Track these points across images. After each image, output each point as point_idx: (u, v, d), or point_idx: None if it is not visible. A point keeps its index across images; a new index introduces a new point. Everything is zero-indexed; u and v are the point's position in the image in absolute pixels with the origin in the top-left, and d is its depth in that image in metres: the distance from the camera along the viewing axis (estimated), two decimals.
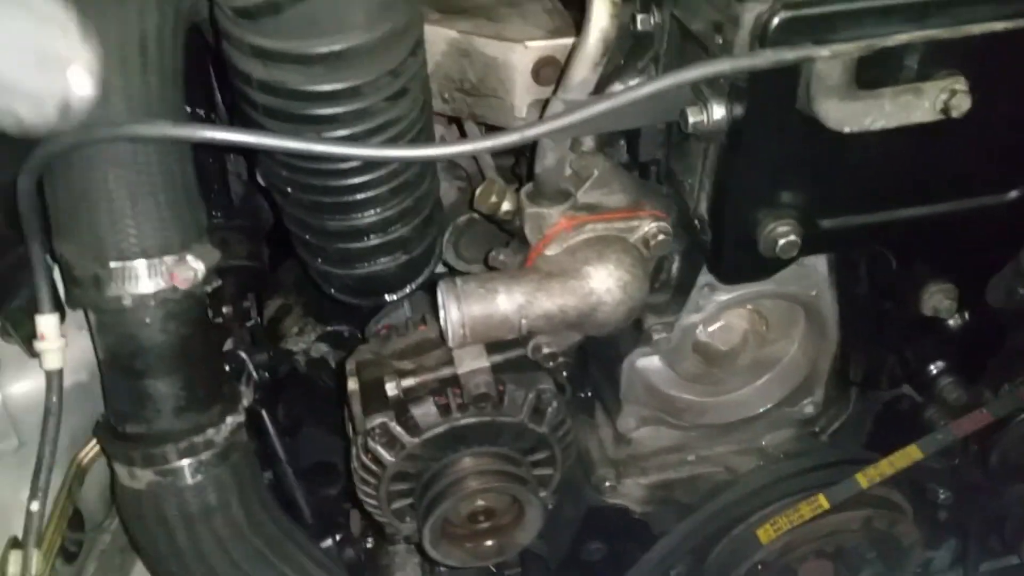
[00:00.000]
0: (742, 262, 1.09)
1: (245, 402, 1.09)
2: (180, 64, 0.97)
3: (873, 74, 0.93)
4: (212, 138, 0.84)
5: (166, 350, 0.97)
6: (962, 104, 0.94)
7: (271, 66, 0.93)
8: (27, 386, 1.13)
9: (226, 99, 1.39)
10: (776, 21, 0.87)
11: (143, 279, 0.92)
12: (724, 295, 1.24)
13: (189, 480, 1.01)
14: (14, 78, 0.55)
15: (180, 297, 0.95)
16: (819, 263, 1.24)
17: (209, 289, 0.99)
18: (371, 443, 1.19)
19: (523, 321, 1.09)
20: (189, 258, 0.94)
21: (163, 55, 0.93)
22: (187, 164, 0.96)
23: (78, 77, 0.59)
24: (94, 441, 1.17)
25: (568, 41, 1.12)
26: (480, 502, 1.26)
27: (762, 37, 0.88)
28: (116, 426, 1.02)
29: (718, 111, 0.97)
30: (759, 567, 1.44)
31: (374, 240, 1.18)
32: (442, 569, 1.71)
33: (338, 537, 1.61)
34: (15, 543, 1.05)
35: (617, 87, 1.11)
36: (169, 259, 0.93)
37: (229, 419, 1.04)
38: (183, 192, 0.95)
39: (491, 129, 1.29)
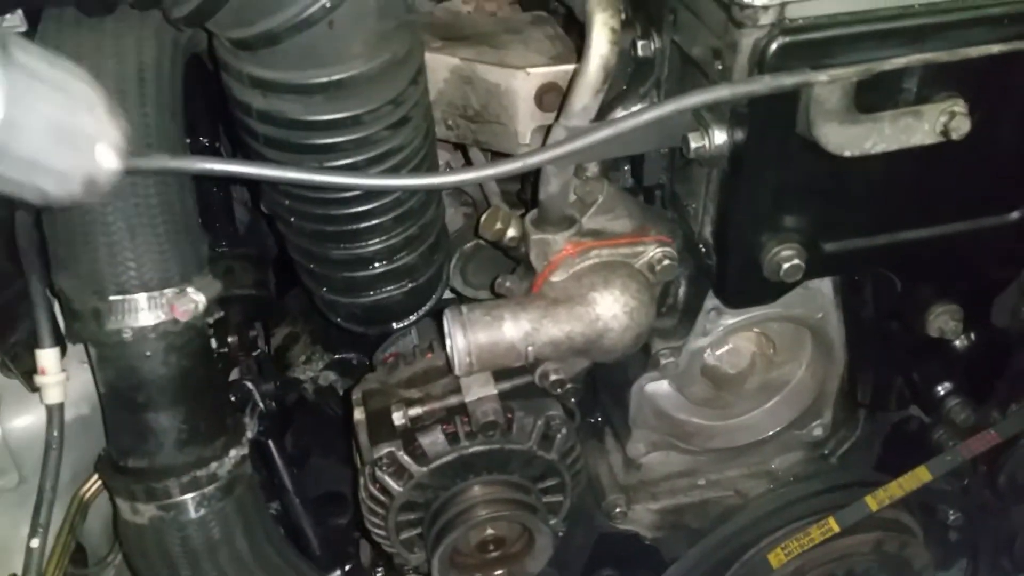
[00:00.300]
0: (747, 286, 1.09)
1: (249, 434, 1.08)
2: (179, 95, 0.98)
3: (872, 98, 0.93)
4: (210, 169, 0.84)
5: (167, 383, 0.96)
6: (962, 126, 0.94)
7: (270, 96, 0.93)
8: (28, 421, 1.13)
9: (228, 131, 1.40)
10: (774, 47, 0.87)
11: (143, 312, 0.92)
12: (731, 319, 1.24)
13: (192, 514, 1.01)
14: (43, 157, 0.56)
15: (181, 329, 0.95)
16: (824, 286, 1.24)
17: (211, 321, 0.99)
18: (379, 473, 1.18)
19: (530, 348, 1.08)
20: (190, 290, 0.94)
21: (161, 87, 0.93)
22: (187, 195, 0.97)
23: (105, 154, 0.60)
24: (97, 475, 1.16)
25: (570, 67, 1.12)
26: (490, 531, 1.24)
27: (760, 63, 0.88)
28: (118, 460, 1.02)
29: (719, 136, 0.97)
30: None
31: (379, 268, 1.18)
32: None
33: (347, 567, 1.60)
34: None
35: (619, 113, 1.11)
36: (169, 292, 0.93)
37: (233, 452, 1.03)
38: (183, 224, 0.95)
39: (495, 155, 1.29)
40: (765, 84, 0.86)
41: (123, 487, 1.01)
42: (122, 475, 1.01)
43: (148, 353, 0.95)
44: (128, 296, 0.92)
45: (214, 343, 1.43)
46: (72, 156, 0.58)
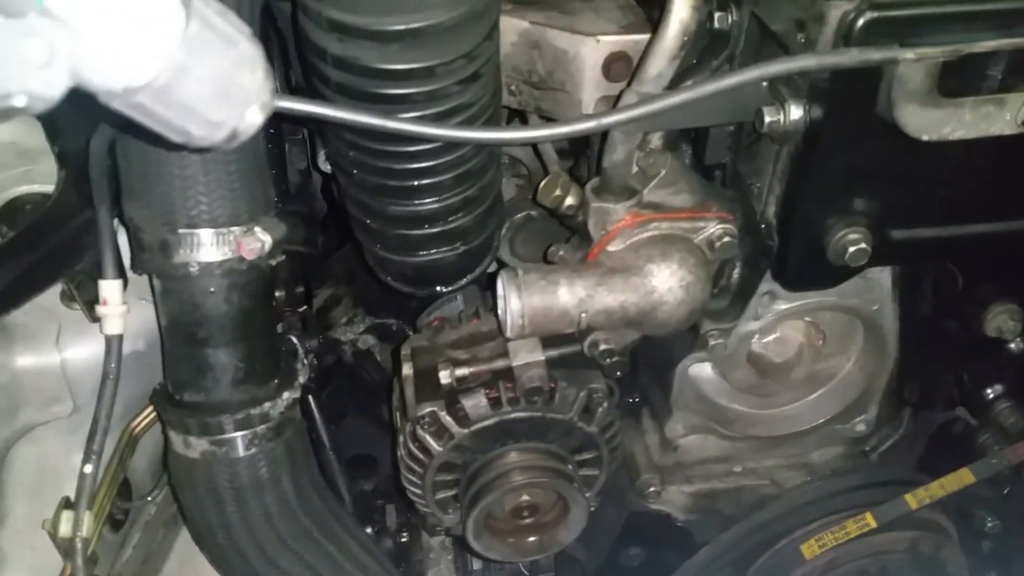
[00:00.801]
0: (809, 269, 1.07)
1: (301, 379, 1.09)
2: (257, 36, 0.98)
3: (955, 82, 0.91)
4: (289, 108, 0.84)
5: (228, 320, 0.97)
6: None
7: (347, 41, 0.93)
8: (85, 352, 1.14)
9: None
10: (863, 21, 0.86)
11: (210, 247, 0.93)
12: (784, 304, 1.23)
13: (242, 452, 1.02)
14: (201, 105, 0.58)
15: (246, 268, 0.96)
16: (883, 277, 1.22)
17: (274, 263, 1.00)
18: (420, 431, 1.19)
19: (583, 315, 1.08)
20: (257, 230, 0.94)
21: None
22: (258, 138, 0.97)
23: (255, 114, 0.62)
24: (147, 411, 1.18)
25: (641, 38, 1.12)
26: (525, 497, 1.24)
27: (847, 36, 0.87)
28: (174, 394, 1.03)
29: (796, 112, 0.95)
30: None
31: (434, 228, 1.18)
32: (475, 567, 1.71)
33: (375, 530, 1.61)
34: (67, 504, 1.06)
35: (693, 82, 1.10)
36: (237, 229, 0.94)
37: (286, 394, 1.04)
38: (254, 165, 0.96)
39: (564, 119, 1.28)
40: (852, 57, 0.85)
41: (177, 420, 1.02)
42: (177, 408, 1.02)
43: (212, 289, 0.96)
44: (197, 230, 0.93)
45: None
46: (226, 109, 0.60)
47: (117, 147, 0.95)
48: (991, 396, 1.33)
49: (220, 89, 0.58)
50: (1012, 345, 1.27)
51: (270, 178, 1.01)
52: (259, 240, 0.93)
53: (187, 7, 0.54)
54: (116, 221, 1.03)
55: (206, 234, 0.93)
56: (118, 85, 0.53)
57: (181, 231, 0.93)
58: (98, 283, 1.03)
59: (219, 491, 1.02)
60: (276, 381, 1.04)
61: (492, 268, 1.43)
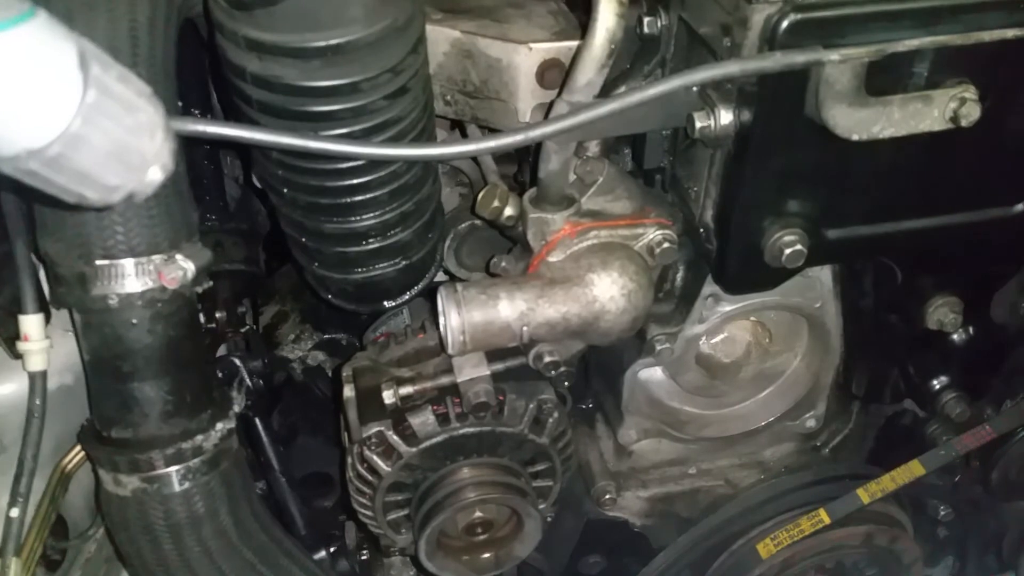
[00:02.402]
0: (747, 272, 1.07)
1: (237, 408, 1.06)
2: (172, 57, 0.95)
3: (882, 81, 0.91)
4: (203, 132, 0.81)
5: (153, 352, 0.94)
6: (971, 113, 0.92)
7: (267, 60, 0.91)
8: (9, 389, 1.10)
9: (221, 99, 1.37)
10: (786, 23, 0.85)
11: (130, 278, 0.89)
12: (728, 306, 1.22)
13: (176, 487, 0.98)
14: (97, 172, 0.56)
15: (169, 297, 0.92)
16: (824, 275, 1.22)
17: (200, 290, 0.97)
18: (367, 452, 1.16)
19: (525, 329, 1.07)
20: (179, 257, 0.91)
21: (154, 47, 0.90)
22: (178, 161, 0.93)
23: (153, 174, 0.59)
24: (79, 446, 1.13)
25: (573, 44, 1.10)
26: (478, 514, 1.23)
27: (771, 40, 0.86)
28: (101, 430, 0.99)
29: (725, 116, 0.95)
30: None
31: (373, 244, 1.15)
32: None
33: (332, 549, 1.57)
34: None
35: (623, 91, 1.09)
36: (157, 258, 0.90)
37: (219, 425, 1.01)
38: (173, 189, 0.92)
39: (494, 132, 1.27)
40: (776, 61, 0.84)
41: (106, 458, 0.98)
42: (105, 445, 0.99)
43: (134, 321, 0.92)
44: (115, 261, 0.89)
45: (202, 318, 1.41)
46: (123, 174, 0.58)
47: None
48: (937, 387, 1.33)
49: (117, 155, 0.56)
50: (955, 336, 1.28)
51: (192, 203, 0.97)
52: (181, 268, 0.90)
53: (85, 74, 0.52)
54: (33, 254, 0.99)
55: (124, 265, 0.89)
56: (8, 152, 0.51)
57: (98, 263, 0.89)
58: (18, 318, 0.99)
59: (154, 529, 0.98)
60: (209, 412, 1.01)
61: (442, 277, 1.42)
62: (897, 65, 0.91)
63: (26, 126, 0.50)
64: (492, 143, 0.93)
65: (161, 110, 0.59)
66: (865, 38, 0.88)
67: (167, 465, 0.97)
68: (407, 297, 1.31)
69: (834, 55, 0.85)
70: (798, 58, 0.84)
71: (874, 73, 0.90)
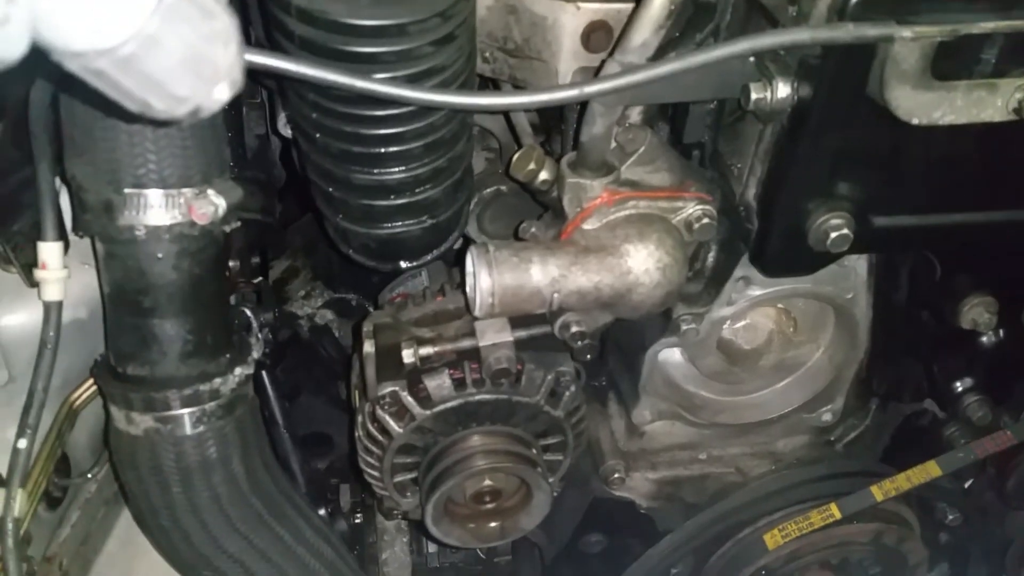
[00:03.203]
0: (788, 254, 1.04)
1: (255, 355, 1.03)
2: None
3: (948, 66, 0.88)
4: (251, 62, 0.78)
5: (177, 289, 0.91)
6: None
7: None
8: (22, 319, 1.07)
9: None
10: None
11: (159, 210, 0.86)
12: (759, 290, 1.19)
13: (189, 430, 0.95)
14: (168, 79, 0.52)
15: (197, 234, 0.89)
16: (859, 265, 1.20)
17: (228, 229, 0.93)
18: (379, 411, 1.14)
19: (555, 295, 1.04)
20: (210, 192, 0.88)
21: None
22: None
23: (222, 91, 0.56)
24: (88, 383, 1.11)
25: (623, 6, 1.07)
26: (488, 482, 1.20)
27: (842, 11, 0.83)
28: (116, 366, 0.96)
29: (783, 89, 0.92)
30: (763, 573, 1.40)
31: (401, 199, 1.12)
32: (430, 549, 1.67)
33: (328, 510, 1.56)
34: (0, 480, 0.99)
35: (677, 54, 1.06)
36: (188, 191, 0.87)
37: (238, 370, 0.98)
38: (208, 123, 0.89)
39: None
40: (848, 32, 0.81)
41: (119, 394, 0.95)
42: (120, 382, 0.96)
43: (160, 255, 0.89)
44: (144, 191, 0.86)
45: None
46: (193, 85, 0.55)
47: (60, 99, 0.87)
48: (960, 389, 1.31)
49: (190, 63, 0.52)
50: (984, 339, 1.26)
51: (226, 137, 0.94)
52: (212, 204, 0.87)
53: None
54: (58, 179, 0.96)
55: (154, 195, 0.86)
56: (80, 47, 0.47)
57: (127, 191, 0.86)
58: (37, 245, 0.96)
59: (163, 471, 0.96)
60: (228, 356, 0.98)
61: (459, 245, 1.38)
62: (965, 49, 0.88)
63: (100, 21, 0.47)
64: (543, 96, 0.90)
65: (235, 21, 0.55)
66: (938, 17, 0.84)
67: (183, 406, 0.94)
68: (428, 258, 1.28)
69: (906, 31, 0.82)
70: (870, 31, 0.81)
71: (941, 56, 0.87)
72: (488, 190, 1.41)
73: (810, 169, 0.96)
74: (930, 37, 0.84)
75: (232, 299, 1.45)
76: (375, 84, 0.84)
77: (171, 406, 0.94)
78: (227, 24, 0.54)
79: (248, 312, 1.42)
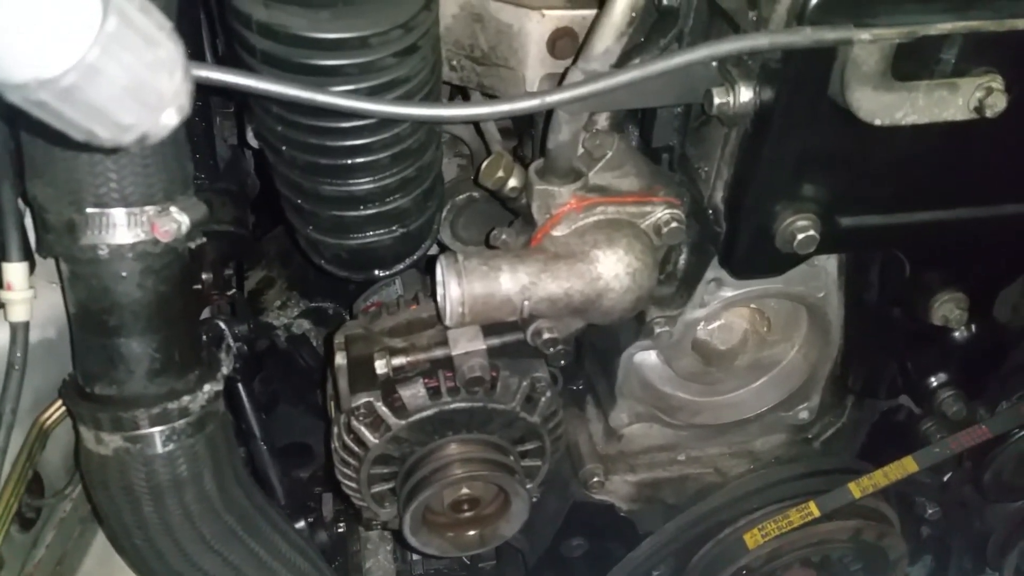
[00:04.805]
0: (756, 256, 1.04)
1: (225, 370, 1.02)
2: (175, 2, 0.90)
3: (909, 66, 0.89)
4: (211, 79, 0.77)
5: (142, 307, 0.90)
6: (997, 103, 0.90)
7: (273, 8, 0.87)
8: None
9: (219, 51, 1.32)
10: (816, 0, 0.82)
11: (121, 228, 0.86)
12: (731, 291, 1.20)
13: (160, 449, 0.95)
14: (111, 107, 0.51)
15: (160, 251, 0.89)
16: (829, 264, 1.20)
17: (193, 246, 0.93)
18: (355, 422, 1.13)
19: (526, 303, 1.04)
20: (173, 210, 0.87)
21: None
22: None
23: (169, 118, 0.55)
24: (58, 403, 1.10)
25: (588, 13, 1.07)
26: (465, 490, 1.20)
27: (801, 15, 0.84)
28: (84, 386, 0.95)
29: (745, 93, 0.92)
30: (743, 572, 1.40)
31: (371, 209, 1.12)
32: (414, 557, 1.67)
33: (310, 520, 1.55)
34: None
35: (640, 61, 1.06)
36: (151, 209, 0.86)
37: (207, 387, 0.97)
38: (170, 139, 0.88)
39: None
40: (806, 36, 0.81)
41: (88, 414, 0.95)
42: (88, 402, 0.95)
43: (124, 273, 0.88)
44: (106, 210, 0.85)
45: None
46: (139, 113, 0.54)
47: (20, 120, 0.87)
48: (934, 384, 1.32)
49: (134, 92, 0.51)
50: (956, 334, 1.26)
51: (189, 153, 0.94)
52: (175, 221, 0.86)
53: (106, 1, 0.48)
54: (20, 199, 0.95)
55: (116, 214, 0.85)
56: (20, 79, 0.46)
57: (89, 211, 0.85)
58: (1, 266, 0.95)
59: (134, 490, 0.95)
60: (196, 373, 0.97)
61: (433, 251, 1.38)
62: (925, 50, 0.89)
63: (39, 52, 0.46)
64: (506, 106, 0.90)
65: (181, 48, 0.54)
66: (897, 19, 0.85)
67: (151, 425, 0.94)
68: (401, 267, 1.28)
69: (865, 34, 0.83)
70: (829, 35, 0.82)
71: (901, 57, 0.87)
72: (461, 197, 1.41)
73: (775, 172, 0.97)
74: (889, 39, 0.84)
75: (206, 312, 1.45)
76: (335, 97, 0.84)
77: (140, 425, 0.93)
78: (171, 51, 0.53)
79: (222, 325, 1.42)
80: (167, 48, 0.53)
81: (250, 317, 1.54)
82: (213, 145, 1.56)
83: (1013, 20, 0.86)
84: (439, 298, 1.05)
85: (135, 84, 0.50)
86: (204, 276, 1.42)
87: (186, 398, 0.95)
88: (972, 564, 1.75)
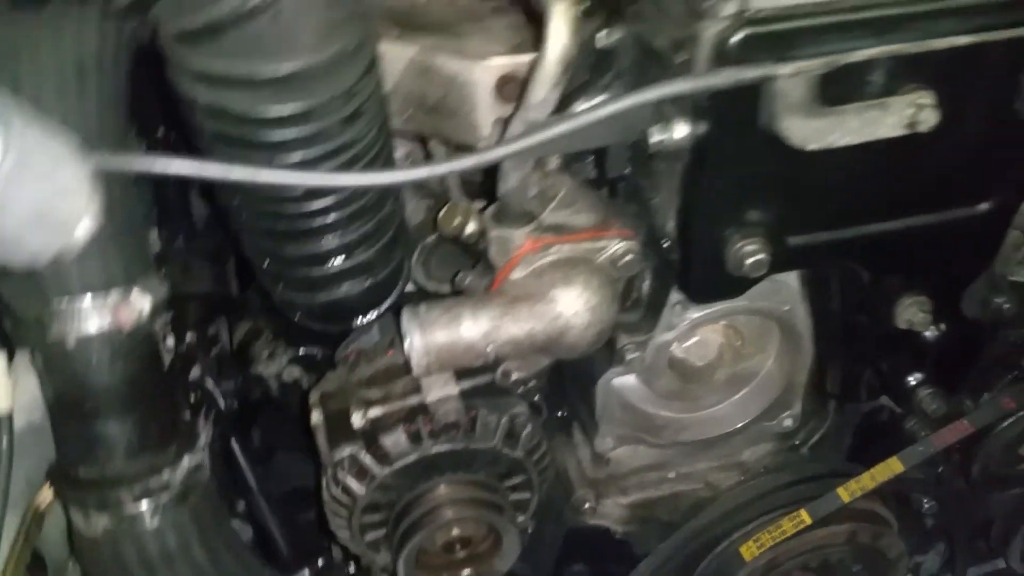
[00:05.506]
0: (711, 281, 1.07)
1: (204, 440, 1.05)
2: (124, 89, 0.93)
3: (837, 90, 0.90)
4: (154, 169, 0.80)
5: (115, 390, 0.93)
6: (929, 119, 0.91)
7: (216, 90, 0.89)
8: None
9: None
10: (737, 39, 0.85)
11: (87, 318, 0.88)
12: (696, 312, 1.22)
13: (147, 524, 0.97)
14: (16, 237, 0.53)
15: (126, 334, 0.91)
16: (790, 278, 1.22)
17: (158, 325, 0.96)
18: (340, 474, 1.16)
19: (490, 348, 1.06)
20: (134, 294, 0.90)
21: (103, 80, 0.89)
22: (129, 191, 0.92)
23: (83, 229, 0.57)
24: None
25: (531, 57, 1.09)
26: (456, 531, 1.23)
27: (722, 55, 0.86)
28: (68, 470, 0.98)
29: (681, 130, 0.94)
30: None
31: (336, 266, 1.14)
32: None
33: (320, 562, 1.57)
34: None
35: (581, 105, 1.08)
36: (113, 296, 0.89)
37: (186, 459, 1.00)
38: (127, 223, 0.91)
39: (459, 148, 1.26)
40: (726, 78, 0.83)
41: (75, 497, 0.98)
42: (73, 485, 0.98)
43: (93, 360, 0.91)
44: (70, 301, 0.88)
45: (171, 342, 1.40)
46: (47, 238, 0.56)
47: None
48: (912, 384, 1.33)
49: (39, 220, 0.54)
50: (927, 334, 1.27)
51: (147, 234, 0.97)
52: (137, 305, 0.89)
53: (6, 136, 0.50)
54: None
55: (80, 304, 0.88)
56: None
57: (53, 304, 0.88)
58: None
59: (128, 566, 0.97)
60: (175, 446, 1.00)
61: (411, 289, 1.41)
62: (851, 74, 0.91)
63: None
64: (443, 167, 0.93)
65: (87, 166, 0.57)
66: (817, 50, 0.87)
67: (136, 502, 0.96)
68: (377, 313, 1.31)
69: (786, 69, 0.85)
70: (748, 73, 0.84)
71: (828, 83, 0.89)
72: (431, 238, 1.43)
73: (718, 200, 0.99)
74: (811, 71, 0.86)
75: (195, 371, 1.48)
76: (269, 174, 0.87)
77: (125, 503, 0.96)
78: (75, 172, 0.55)
79: (210, 384, 1.45)
80: (71, 170, 0.55)
81: (237, 373, 1.58)
82: (188, 207, 1.60)
83: (931, 41, 0.88)
84: (406, 349, 1.07)
85: (40, 212, 0.53)
86: (188, 338, 1.46)
87: (167, 472, 0.98)
88: (986, 546, 1.75)
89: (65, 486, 0.99)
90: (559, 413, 1.47)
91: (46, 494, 1.12)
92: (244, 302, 1.78)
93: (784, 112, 0.88)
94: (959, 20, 0.89)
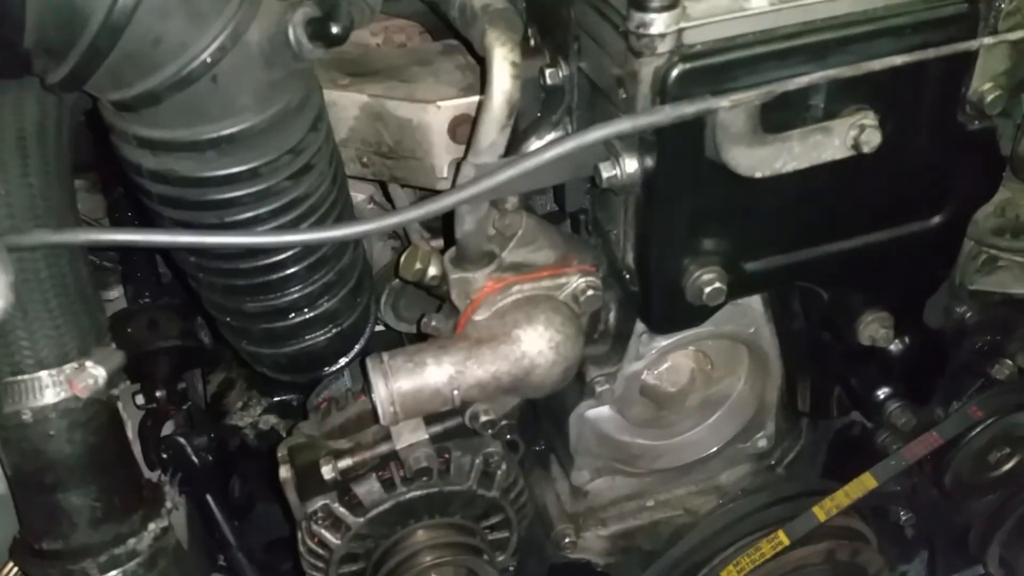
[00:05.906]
0: (671, 311, 1.07)
1: (169, 504, 1.04)
2: (67, 160, 0.93)
3: (780, 116, 0.91)
4: (96, 240, 0.80)
5: (75, 461, 0.92)
6: (872, 139, 0.92)
7: (160, 155, 0.90)
8: None
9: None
10: (674, 75, 0.85)
11: (42, 391, 0.88)
12: (663, 341, 1.22)
13: None
14: None
15: (83, 405, 0.91)
16: (754, 301, 1.22)
17: (116, 392, 0.95)
18: (315, 527, 1.15)
19: (455, 392, 1.06)
20: (88, 364, 0.89)
21: (46, 153, 0.89)
22: (79, 264, 0.92)
23: None
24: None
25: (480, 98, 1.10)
26: None
27: (662, 92, 0.86)
28: (32, 543, 0.97)
29: (631, 165, 0.95)
30: None
31: (299, 318, 1.14)
32: None
33: None
34: None
35: (533, 143, 1.09)
36: (68, 368, 0.89)
37: (152, 525, 0.99)
38: (78, 295, 0.91)
39: (422, 191, 1.27)
40: (666, 114, 0.84)
41: (39, 571, 0.97)
42: (38, 559, 0.97)
43: (51, 432, 0.90)
44: (24, 376, 0.87)
45: (141, 399, 1.39)
46: None
47: None
48: (881, 398, 1.33)
49: None
50: (892, 348, 1.28)
51: (100, 303, 0.96)
52: (91, 375, 0.89)
53: None
54: None
55: (34, 379, 0.88)
56: None
57: (7, 380, 0.87)
58: None
59: None
60: (140, 513, 0.99)
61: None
62: (793, 100, 0.92)
63: None
64: (395, 219, 0.92)
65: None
66: (756, 79, 0.88)
67: (102, 573, 0.95)
68: (344, 362, 1.30)
69: (724, 101, 0.86)
70: (688, 109, 0.84)
71: (770, 111, 0.90)
72: (397, 280, 1.43)
73: (671, 232, 0.99)
74: (749, 102, 0.87)
75: (168, 427, 1.46)
76: (211, 237, 0.86)
77: (90, 575, 0.95)
78: None
79: (182, 440, 1.43)
80: None
81: (209, 426, 1.56)
82: (154, 262, 1.59)
83: (868, 63, 0.89)
84: (372, 398, 1.06)
85: None
86: (158, 394, 1.45)
87: (132, 540, 0.97)
88: (960, 559, 1.76)
89: (29, 560, 0.98)
90: (537, 447, 1.46)
91: (11, 569, 1.11)
92: (216, 353, 1.77)
93: (728, 143, 0.89)
94: (895, 40, 0.90)
